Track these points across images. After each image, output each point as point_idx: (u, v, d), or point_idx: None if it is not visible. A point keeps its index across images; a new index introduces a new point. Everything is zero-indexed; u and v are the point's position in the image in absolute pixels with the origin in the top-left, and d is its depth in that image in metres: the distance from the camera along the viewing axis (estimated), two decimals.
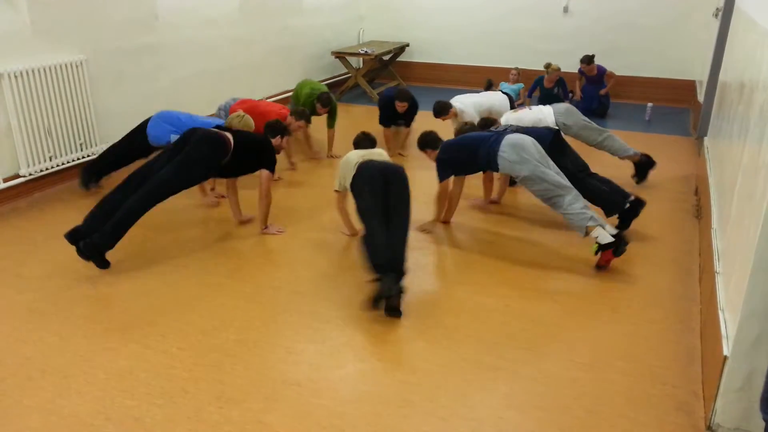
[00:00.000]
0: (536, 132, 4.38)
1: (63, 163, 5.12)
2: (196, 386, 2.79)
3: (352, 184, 3.85)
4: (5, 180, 4.73)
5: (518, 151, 4.02)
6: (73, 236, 3.61)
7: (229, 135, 4.09)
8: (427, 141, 4.56)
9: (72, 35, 5.09)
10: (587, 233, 3.83)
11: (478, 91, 6.49)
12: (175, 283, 3.69)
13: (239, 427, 2.54)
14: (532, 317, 3.37)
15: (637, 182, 5.34)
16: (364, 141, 4.33)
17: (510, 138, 4.11)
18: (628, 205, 4.31)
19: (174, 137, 4.58)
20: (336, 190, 4.17)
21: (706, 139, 5.61)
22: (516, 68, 8.32)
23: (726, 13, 5.68)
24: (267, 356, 3.01)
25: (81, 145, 5.25)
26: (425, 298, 3.57)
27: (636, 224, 4.38)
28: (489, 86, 7.74)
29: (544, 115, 5.22)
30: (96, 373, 2.87)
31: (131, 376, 2.85)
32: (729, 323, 2.56)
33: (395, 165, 3.87)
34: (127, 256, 3.97)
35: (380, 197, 3.61)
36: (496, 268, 3.92)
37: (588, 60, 7.61)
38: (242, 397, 2.72)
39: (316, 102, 5.86)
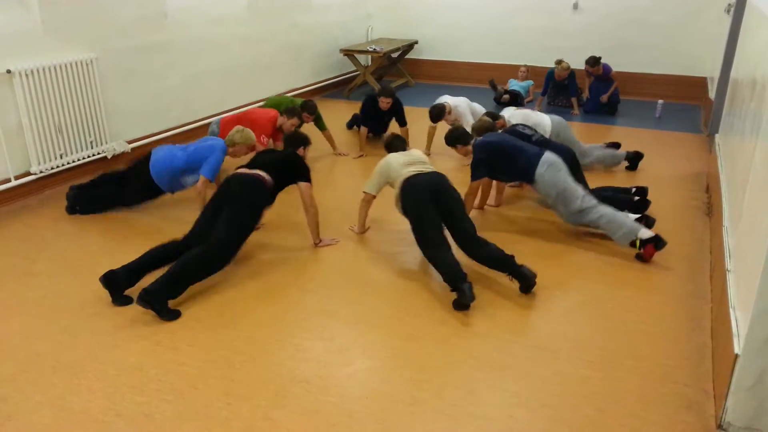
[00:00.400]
0: (558, 148, 4.56)
1: (73, 161, 5.15)
2: (205, 382, 2.80)
3: (405, 205, 3.84)
4: (16, 177, 4.77)
5: (555, 172, 4.15)
6: (108, 280, 3.37)
7: (262, 173, 3.88)
8: (458, 137, 4.58)
9: (82, 34, 5.12)
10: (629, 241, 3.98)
11: (484, 89, 6.50)
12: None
13: (248, 424, 2.55)
14: (541, 316, 3.36)
15: (631, 169, 5.67)
16: (396, 142, 4.34)
17: (548, 157, 4.20)
18: (636, 197, 4.60)
19: (189, 179, 4.46)
20: (365, 192, 4.18)
21: (717, 136, 5.56)
22: (525, 65, 8.29)
23: (738, 9, 5.63)
24: (276, 353, 3.02)
25: (91, 142, 5.28)
26: (433, 296, 3.57)
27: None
28: (494, 86, 7.73)
29: (543, 121, 5.28)
30: (106, 370, 2.88)
31: (141, 372, 2.87)
32: (740, 321, 2.53)
33: (440, 178, 3.87)
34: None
35: (437, 220, 3.70)
36: None
37: (593, 62, 7.55)
38: (251, 393, 2.73)
39: (301, 111, 5.58)
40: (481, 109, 6.13)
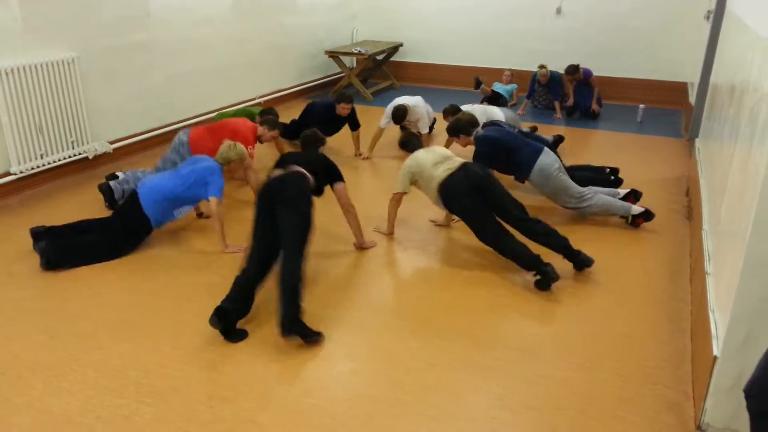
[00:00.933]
0: (542, 141, 4.94)
1: (54, 161, 5.09)
2: (187, 385, 2.78)
3: (451, 208, 4.04)
4: None
5: (546, 174, 4.42)
6: (219, 316, 3.09)
7: (299, 168, 3.65)
8: (461, 127, 4.68)
9: (64, 32, 5.06)
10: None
11: (469, 92, 6.54)
12: (168, 282, 3.68)
13: (231, 426, 2.53)
14: (524, 317, 3.38)
15: None
16: (413, 140, 4.41)
17: (543, 160, 4.43)
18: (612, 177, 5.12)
19: (181, 210, 4.17)
20: (396, 192, 4.21)
21: (697, 140, 5.64)
22: (509, 69, 8.35)
23: (717, 16, 5.71)
24: (259, 355, 3.00)
25: (72, 142, 5.22)
26: (417, 297, 3.58)
27: (627, 225, 4.45)
28: (478, 85, 7.75)
29: (496, 114, 5.72)
30: (86, 372, 2.85)
31: (122, 374, 2.84)
32: (719, 324, 2.57)
33: (473, 171, 3.95)
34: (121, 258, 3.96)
35: (489, 213, 3.85)
36: (489, 268, 3.92)
37: (572, 70, 7.62)
38: (234, 396, 2.71)
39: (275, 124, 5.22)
40: (432, 110, 6.42)
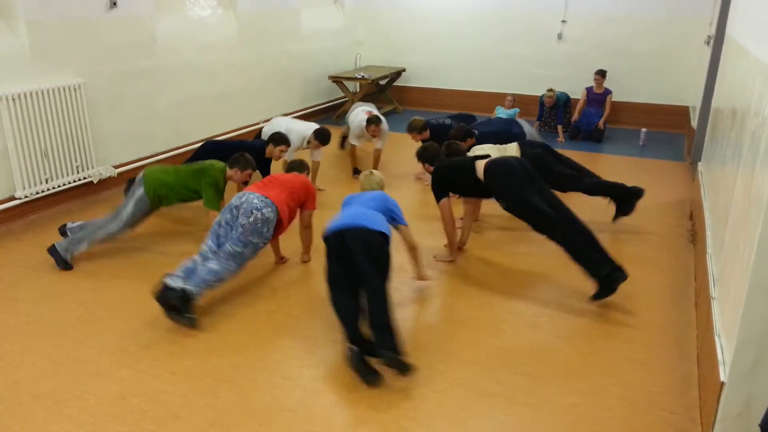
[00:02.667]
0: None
1: (59, 186, 5.12)
2: (189, 411, 2.75)
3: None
4: (1, 202, 4.73)
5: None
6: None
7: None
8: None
9: (71, 59, 5.12)
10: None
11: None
12: None
13: None
14: (529, 343, 3.36)
15: None
16: (457, 147, 4.64)
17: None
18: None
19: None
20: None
21: (700, 164, 5.64)
22: (511, 95, 8.42)
23: (717, 41, 5.76)
24: (261, 381, 2.98)
25: (77, 167, 5.25)
26: (421, 322, 3.55)
27: (631, 249, 4.41)
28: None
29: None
30: (88, 398, 2.83)
31: (123, 401, 2.82)
32: (725, 349, 2.55)
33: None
34: (122, 281, 3.96)
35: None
36: (493, 293, 3.90)
37: (603, 73, 7.89)
38: (235, 423, 2.69)
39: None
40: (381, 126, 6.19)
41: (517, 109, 8.30)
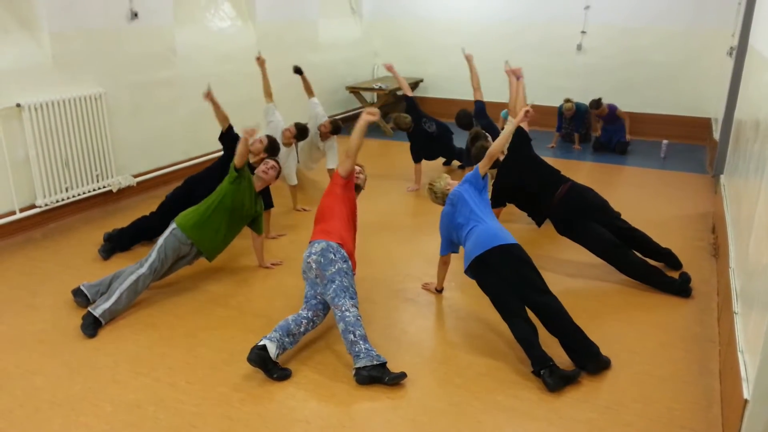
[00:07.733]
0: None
1: (79, 194, 5.18)
2: (203, 421, 2.75)
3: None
4: (21, 210, 4.79)
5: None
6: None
7: None
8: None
9: (92, 69, 5.20)
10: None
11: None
12: (185, 316, 3.68)
13: None
14: None
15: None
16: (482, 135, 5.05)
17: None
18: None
19: None
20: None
21: (722, 176, 5.56)
22: (530, 104, 8.37)
23: (740, 52, 5.69)
24: (275, 391, 2.97)
25: (97, 176, 5.31)
26: (436, 334, 3.52)
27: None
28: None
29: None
30: (104, 406, 2.84)
31: (139, 409, 2.82)
32: (749, 366, 2.49)
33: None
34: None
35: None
36: None
37: (596, 105, 7.63)
38: None
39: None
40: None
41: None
